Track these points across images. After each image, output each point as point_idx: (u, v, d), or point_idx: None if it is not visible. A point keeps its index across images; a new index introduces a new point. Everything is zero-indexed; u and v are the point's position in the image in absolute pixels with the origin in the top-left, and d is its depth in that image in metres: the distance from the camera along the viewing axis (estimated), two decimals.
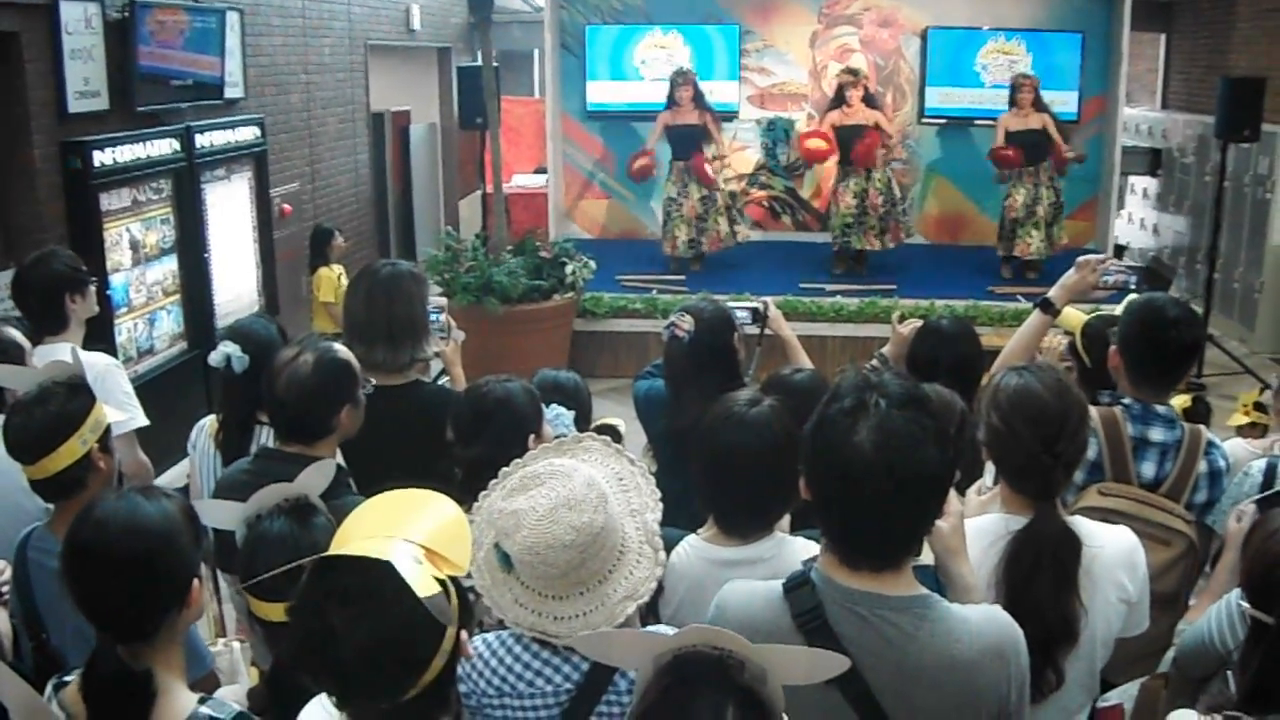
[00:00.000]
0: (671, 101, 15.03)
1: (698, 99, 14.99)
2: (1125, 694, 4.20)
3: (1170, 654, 4.10)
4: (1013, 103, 14.88)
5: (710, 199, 15.14)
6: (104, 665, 3.07)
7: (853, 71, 15.21)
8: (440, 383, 5.89)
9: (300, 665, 2.58)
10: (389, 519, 2.54)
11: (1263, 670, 3.17)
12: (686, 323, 5.49)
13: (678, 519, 3.91)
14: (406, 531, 2.48)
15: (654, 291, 14.49)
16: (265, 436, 5.22)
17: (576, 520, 3.08)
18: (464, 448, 4.22)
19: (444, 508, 2.63)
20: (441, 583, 2.45)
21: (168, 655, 3.18)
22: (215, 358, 5.18)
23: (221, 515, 3.75)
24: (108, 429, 4.34)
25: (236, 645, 4.87)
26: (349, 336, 5.12)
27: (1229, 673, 3.47)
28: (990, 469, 4.16)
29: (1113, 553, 3.76)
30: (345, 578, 2.38)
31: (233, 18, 12.45)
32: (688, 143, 15.09)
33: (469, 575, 3.03)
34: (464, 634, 2.47)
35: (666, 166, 15.45)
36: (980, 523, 3.76)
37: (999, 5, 16.69)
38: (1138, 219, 20.22)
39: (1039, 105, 14.81)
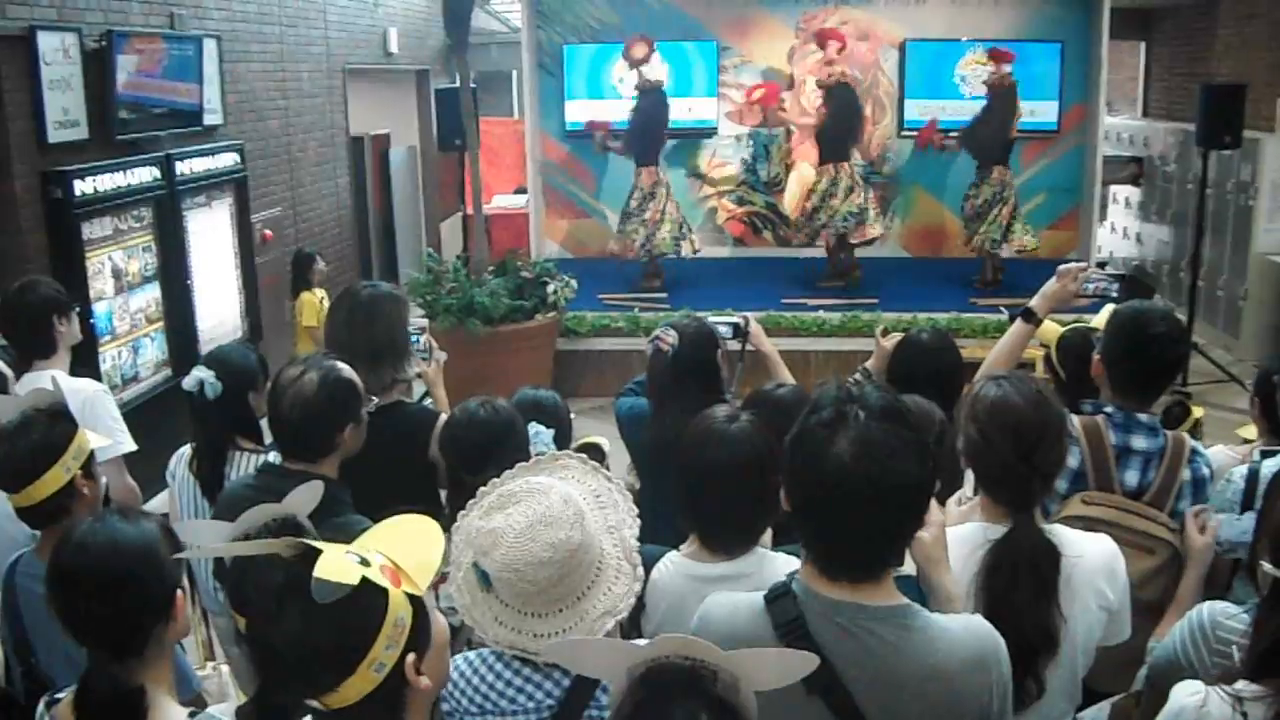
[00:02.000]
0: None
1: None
2: (1101, 711, 4.20)
3: (1143, 672, 4.09)
4: None
5: (663, 210, 15.23)
6: (98, 682, 3.12)
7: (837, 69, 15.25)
8: (423, 404, 5.90)
9: (251, 650, 2.61)
10: (386, 537, 2.56)
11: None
12: (671, 337, 5.52)
13: (662, 535, 3.92)
14: (388, 548, 2.49)
15: (636, 310, 14.53)
16: (244, 462, 5.24)
17: (553, 537, 3.09)
18: (470, 474, 4.19)
19: (430, 535, 2.63)
20: (414, 601, 2.47)
21: (157, 671, 3.22)
22: (189, 382, 5.23)
23: (209, 536, 3.76)
24: (91, 455, 4.35)
25: (225, 668, 4.89)
26: None
27: (1235, 647, 3.47)
28: (970, 479, 4.17)
29: (1092, 561, 3.77)
30: (304, 569, 2.37)
31: (210, 45, 12.47)
32: (652, 149, 15.27)
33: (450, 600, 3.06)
34: (411, 657, 2.45)
35: (631, 175, 15.56)
36: (959, 532, 3.77)
37: (977, 16, 16.72)
38: (1120, 228, 20.23)
39: None
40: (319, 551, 2.38)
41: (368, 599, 2.35)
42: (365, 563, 2.38)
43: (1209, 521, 4.37)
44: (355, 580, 2.31)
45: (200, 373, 5.20)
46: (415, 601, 2.48)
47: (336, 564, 2.32)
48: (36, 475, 4.14)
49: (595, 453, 4.22)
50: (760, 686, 2.34)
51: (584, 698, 3.23)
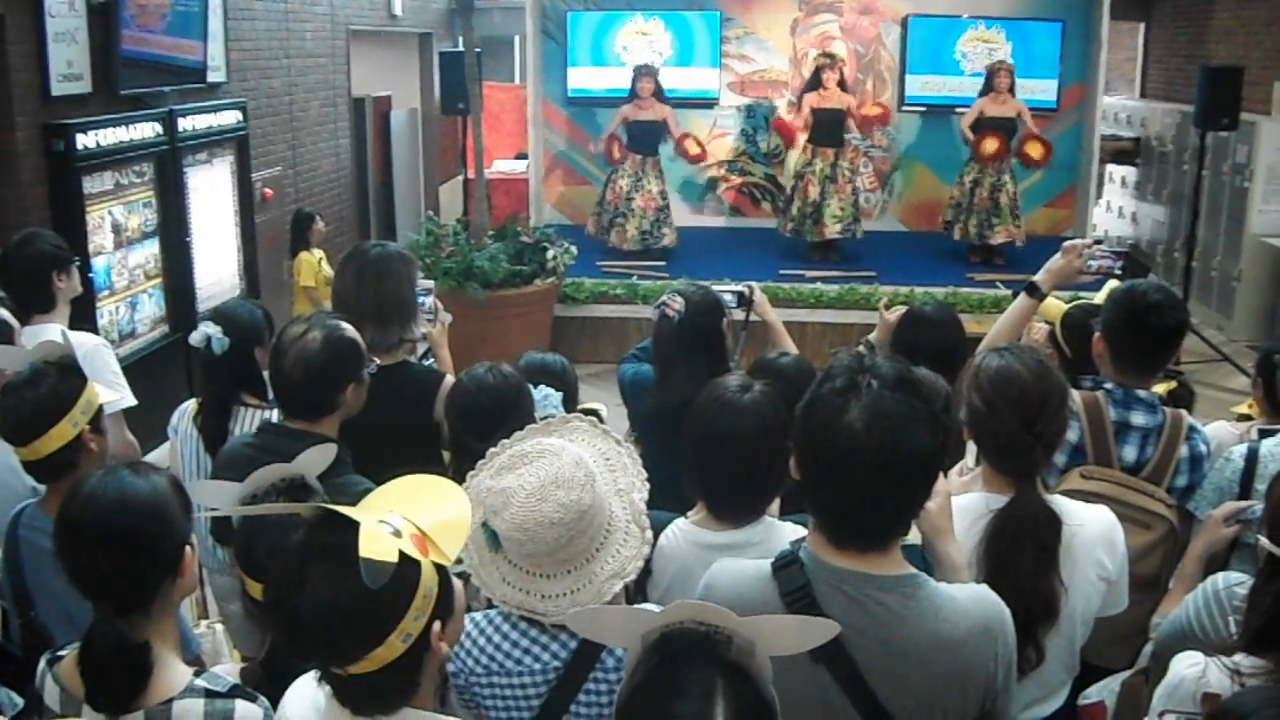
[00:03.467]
0: (633, 94, 15.19)
1: (659, 94, 15.16)
2: (1107, 689, 4.23)
3: (1149, 648, 4.12)
4: (990, 88, 15.06)
5: (666, 193, 15.36)
6: (102, 637, 3.09)
7: (829, 55, 15.31)
8: (428, 364, 5.90)
9: (269, 614, 2.62)
10: (405, 498, 2.57)
11: (1276, 607, 3.22)
12: (677, 303, 5.52)
13: (663, 502, 3.93)
14: (412, 511, 2.50)
15: (634, 278, 14.53)
16: (248, 418, 5.26)
17: (564, 498, 3.12)
18: (478, 440, 4.19)
19: (457, 502, 2.65)
20: (439, 569, 2.49)
21: (163, 628, 3.21)
22: (196, 338, 5.22)
23: (217, 496, 3.77)
24: (99, 410, 4.35)
25: (219, 627, 4.89)
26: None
27: (1233, 619, 3.51)
28: (972, 450, 4.20)
29: (1092, 531, 3.81)
30: (329, 534, 2.40)
31: (215, 1, 12.38)
32: (648, 138, 15.26)
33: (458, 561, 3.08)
34: (437, 626, 2.48)
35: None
36: (962, 501, 3.80)
37: None
38: (1116, 207, 20.25)
39: (1013, 93, 15.02)
40: (341, 516, 2.41)
41: (401, 571, 2.37)
42: (397, 533, 2.40)
43: (1242, 517, 4.39)
44: (395, 557, 2.33)
45: (207, 328, 5.20)
46: (441, 571, 2.51)
47: (377, 540, 2.34)
48: (44, 429, 4.14)
49: (594, 419, 4.23)
50: (777, 652, 2.35)
51: (590, 660, 3.26)
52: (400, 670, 2.46)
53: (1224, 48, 17.03)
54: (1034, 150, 15.21)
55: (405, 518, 2.47)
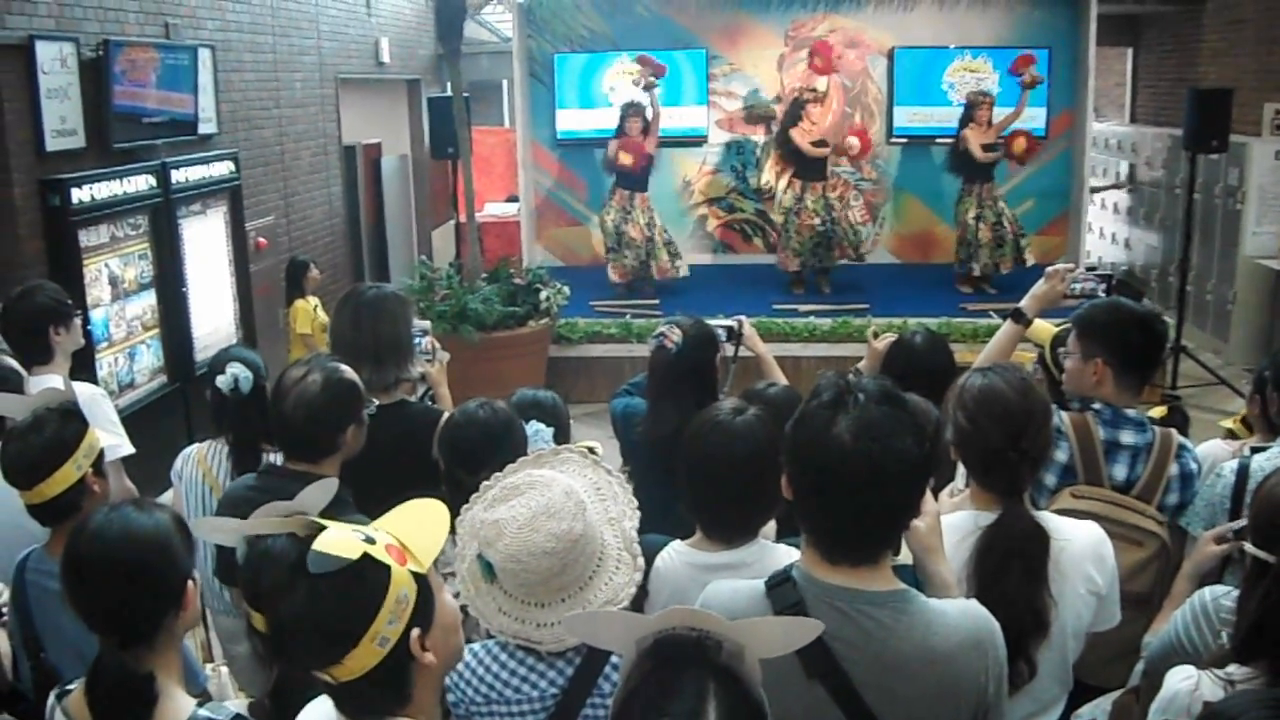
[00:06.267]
0: (620, 132, 15.27)
1: (646, 131, 15.24)
2: (1099, 709, 4.27)
3: (1140, 667, 4.16)
4: (970, 120, 15.21)
5: (650, 232, 15.41)
6: (108, 670, 3.17)
7: (812, 89, 15.48)
8: (427, 403, 5.93)
9: (263, 631, 2.67)
10: (393, 519, 2.63)
11: (1262, 609, 3.27)
12: (676, 335, 5.59)
13: (655, 530, 3.98)
14: (393, 528, 2.57)
15: (628, 316, 14.57)
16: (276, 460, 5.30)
17: (556, 528, 3.19)
18: (469, 473, 4.25)
19: (436, 513, 2.70)
20: (418, 578, 2.53)
21: (167, 660, 3.27)
22: (224, 381, 5.22)
23: (222, 532, 3.83)
24: (101, 453, 4.41)
25: (224, 670, 4.93)
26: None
27: (1225, 633, 3.55)
28: (962, 473, 4.24)
29: (1080, 546, 3.84)
30: (308, 544, 2.45)
31: (205, 54, 12.50)
32: (636, 174, 15.34)
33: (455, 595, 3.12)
34: (416, 632, 2.51)
35: (608, 193, 15.69)
36: (951, 519, 3.82)
37: (964, 23, 16.86)
38: (1109, 233, 20.28)
39: (992, 124, 15.22)
40: (324, 528, 2.46)
41: (370, 575, 2.42)
42: (370, 541, 2.45)
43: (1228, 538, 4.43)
44: (355, 555, 2.39)
45: (235, 369, 5.21)
46: (419, 579, 2.54)
47: (338, 540, 2.41)
48: (48, 473, 4.19)
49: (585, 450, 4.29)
50: (766, 653, 2.38)
51: (587, 686, 3.32)
52: (385, 677, 2.49)
53: (1212, 70, 17.09)
54: (1018, 147, 15.49)
55: (387, 531, 2.53)
